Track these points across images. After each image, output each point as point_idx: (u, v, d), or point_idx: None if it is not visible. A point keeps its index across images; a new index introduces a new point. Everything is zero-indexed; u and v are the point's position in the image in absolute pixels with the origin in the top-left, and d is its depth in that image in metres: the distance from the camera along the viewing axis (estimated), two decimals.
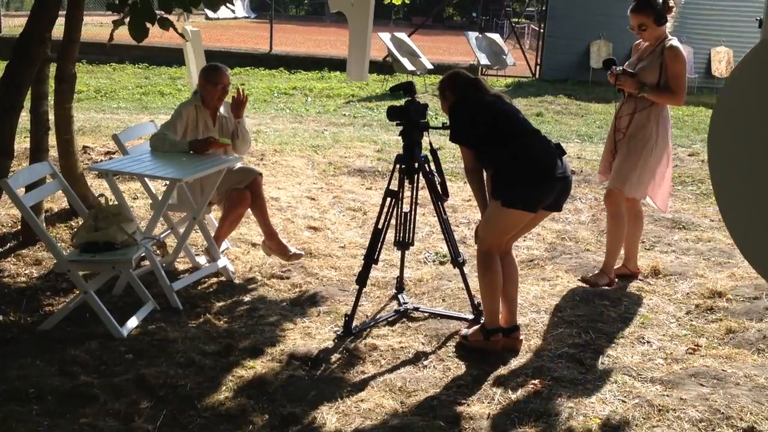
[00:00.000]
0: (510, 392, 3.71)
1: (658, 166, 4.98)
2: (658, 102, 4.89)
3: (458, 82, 4.30)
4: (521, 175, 3.99)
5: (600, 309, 4.77)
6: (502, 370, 3.94)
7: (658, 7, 4.82)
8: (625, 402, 3.66)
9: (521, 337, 4.22)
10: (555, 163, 4.01)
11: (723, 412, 3.55)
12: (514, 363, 4.03)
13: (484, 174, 4.21)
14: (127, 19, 4.71)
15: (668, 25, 4.90)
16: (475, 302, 4.53)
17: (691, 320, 4.67)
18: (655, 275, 5.38)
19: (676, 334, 4.47)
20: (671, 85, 4.83)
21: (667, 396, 3.72)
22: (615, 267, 5.21)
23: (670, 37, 4.90)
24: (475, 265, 5.17)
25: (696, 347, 4.27)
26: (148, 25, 4.73)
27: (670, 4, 4.86)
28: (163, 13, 4.98)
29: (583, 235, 6.30)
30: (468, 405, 3.58)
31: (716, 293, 5.00)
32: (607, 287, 5.09)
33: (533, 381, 3.82)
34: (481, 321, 4.23)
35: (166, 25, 4.84)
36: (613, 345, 4.29)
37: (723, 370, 3.98)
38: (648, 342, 4.34)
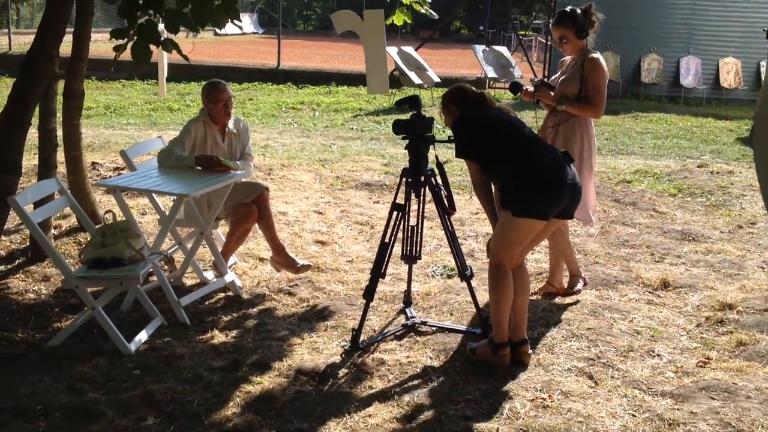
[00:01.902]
0: (518, 407, 3.68)
1: (584, 182, 4.84)
2: (576, 114, 4.88)
3: (462, 97, 4.30)
4: (530, 183, 3.96)
5: (609, 322, 4.74)
6: (511, 384, 3.92)
7: (580, 20, 4.86)
8: (636, 416, 3.63)
9: (530, 351, 4.19)
10: (563, 169, 4.00)
11: (734, 426, 3.52)
12: (523, 377, 4.00)
13: (492, 187, 4.19)
14: (130, 43, 4.73)
15: (590, 39, 4.93)
16: (483, 316, 4.51)
17: (702, 333, 4.64)
18: (665, 288, 5.35)
19: (686, 347, 4.44)
20: (591, 97, 4.82)
21: (678, 410, 3.68)
22: (541, 286, 5.23)
23: (592, 50, 4.92)
24: (482, 278, 5.16)
25: (707, 360, 4.24)
26: (152, 47, 4.76)
27: (592, 19, 4.89)
28: (167, 34, 5.00)
29: (592, 247, 6.28)
30: (476, 420, 3.55)
31: (727, 305, 4.96)
32: (585, 287, 5.12)
33: (542, 395, 3.79)
34: (490, 335, 4.21)
35: (169, 48, 4.87)
36: (623, 358, 4.26)
37: (734, 383, 3.94)
38: (658, 355, 4.31)
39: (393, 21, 6.93)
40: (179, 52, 4.98)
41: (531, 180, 3.96)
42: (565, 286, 5.20)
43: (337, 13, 6.21)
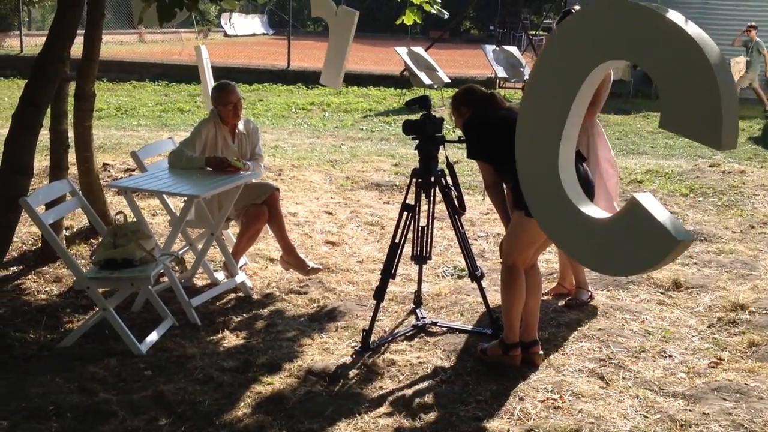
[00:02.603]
0: (529, 407, 3.67)
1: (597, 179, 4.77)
2: None
3: (473, 98, 4.29)
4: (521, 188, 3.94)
5: (621, 322, 4.73)
6: (522, 385, 3.91)
7: None
8: (647, 417, 3.61)
9: (541, 352, 4.18)
10: (575, 167, 3.97)
11: (746, 427, 3.50)
12: (534, 378, 3.99)
13: (504, 188, 4.18)
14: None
15: None
16: (494, 316, 4.50)
17: (714, 333, 4.62)
18: (677, 288, 5.32)
19: (698, 347, 4.42)
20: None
21: (690, 410, 3.67)
22: (552, 287, 5.21)
23: None
24: (493, 279, 5.15)
25: (719, 361, 4.22)
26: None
27: None
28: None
29: None
30: (487, 420, 3.55)
31: (739, 306, 4.94)
32: (590, 299, 5.04)
33: (553, 396, 3.78)
34: (500, 335, 4.20)
35: (192, 6, 4.87)
36: (635, 359, 4.24)
37: (746, 384, 3.92)
38: (670, 356, 4.29)
39: (403, 21, 6.92)
40: (199, 12, 4.98)
41: None
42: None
43: None
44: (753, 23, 15.03)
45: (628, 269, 2.77)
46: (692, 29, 2.27)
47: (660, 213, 2.40)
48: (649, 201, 2.45)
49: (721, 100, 2.20)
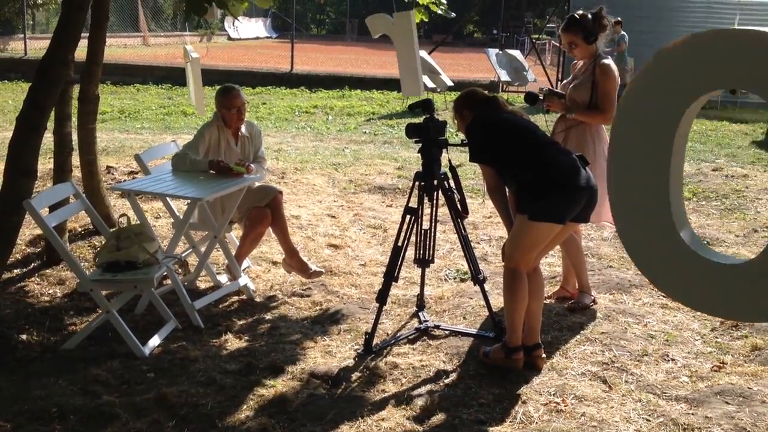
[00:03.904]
0: (532, 411, 3.67)
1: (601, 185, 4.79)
2: (587, 121, 4.85)
3: (475, 101, 4.30)
4: (547, 186, 3.95)
5: (623, 326, 4.72)
6: (524, 389, 3.91)
7: (588, 25, 4.80)
8: (650, 421, 3.61)
9: (543, 355, 4.18)
10: (579, 172, 3.98)
11: (749, 430, 3.50)
12: (536, 381, 3.99)
13: (507, 191, 4.19)
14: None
15: (601, 43, 4.88)
16: (496, 320, 4.50)
17: (716, 337, 4.61)
18: None
19: (701, 351, 4.41)
20: (600, 103, 4.77)
21: (693, 414, 3.66)
22: (555, 290, 5.21)
23: (603, 55, 4.87)
24: (495, 282, 5.15)
25: (721, 365, 4.22)
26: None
27: (603, 23, 4.84)
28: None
29: (606, 251, 6.25)
30: (490, 424, 3.55)
31: None
32: (593, 303, 5.04)
33: (556, 399, 3.78)
34: (503, 338, 4.20)
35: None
36: (637, 363, 4.24)
37: (749, 388, 3.92)
38: (672, 359, 4.29)
39: None
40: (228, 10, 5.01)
41: (547, 184, 3.95)
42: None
43: (372, 17, 6.18)
44: (619, 18, 15.01)
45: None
46: None
47: None
48: None
49: None
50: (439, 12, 6.86)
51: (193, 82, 7.22)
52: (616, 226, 2.47)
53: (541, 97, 4.98)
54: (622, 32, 15.67)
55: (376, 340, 4.36)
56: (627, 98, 2.38)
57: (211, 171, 4.97)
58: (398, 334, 4.55)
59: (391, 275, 4.37)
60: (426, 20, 6.97)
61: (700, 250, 2.31)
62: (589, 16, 4.83)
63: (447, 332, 4.58)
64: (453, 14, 7.22)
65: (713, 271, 2.28)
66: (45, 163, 7.06)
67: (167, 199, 5.08)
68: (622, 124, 2.40)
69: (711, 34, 2.19)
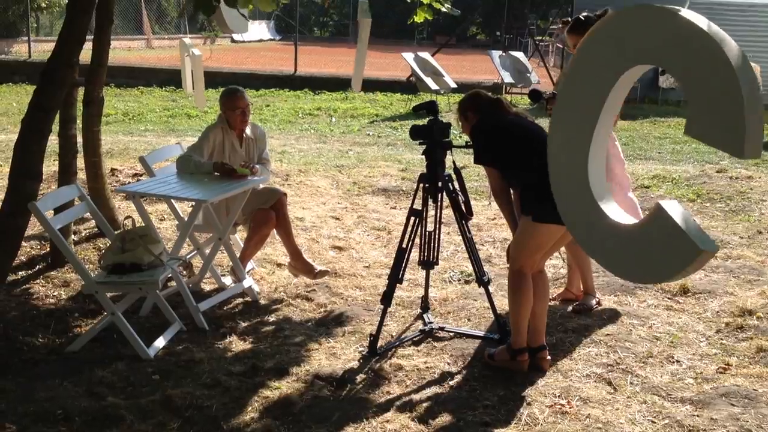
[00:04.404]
0: (537, 412, 3.67)
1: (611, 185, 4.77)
2: None
3: (479, 103, 4.30)
4: (551, 188, 3.93)
5: (628, 328, 4.72)
6: (529, 390, 3.90)
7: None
8: (655, 422, 3.60)
9: (548, 357, 4.17)
10: None
11: None
12: (541, 383, 3.99)
13: (512, 193, 4.18)
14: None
15: None
16: (501, 321, 4.50)
17: (721, 339, 4.60)
18: (684, 294, 5.31)
19: (706, 353, 4.41)
20: None
21: (698, 416, 3.66)
22: (559, 292, 5.20)
23: None
24: (500, 284, 5.15)
25: (726, 366, 4.21)
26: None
27: None
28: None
29: None
30: (495, 426, 3.55)
31: (746, 311, 4.92)
32: (598, 306, 5.03)
33: (561, 401, 3.78)
34: (508, 340, 4.20)
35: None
36: (642, 364, 4.23)
37: (754, 390, 3.91)
38: (678, 361, 4.28)
39: (414, 20, 6.95)
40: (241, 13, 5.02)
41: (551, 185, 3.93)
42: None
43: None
44: (567, 19, 15.05)
45: (650, 277, 2.72)
46: (713, 29, 2.19)
47: (684, 221, 2.34)
48: (673, 208, 2.39)
49: (744, 106, 2.10)
50: (444, 10, 6.86)
51: (193, 75, 7.24)
52: (551, 180, 2.90)
53: (545, 99, 4.98)
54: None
55: (380, 342, 4.36)
56: (571, 64, 2.73)
57: (216, 173, 4.98)
58: (403, 336, 4.55)
59: (395, 277, 4.37)
60: (430, 18, 6.97)
61: (602, 204, 2.63)
62: (594, 17, 4.82)
63: (452, 334, 4.58)
64: (458, 12, 7.22)
65: (606, 224, 2.58)
66: (50, 166, 7.07)
67: (172, 201, 5.09)
68: (566, 89, 2.77)
69: (630, 10, 2.43)
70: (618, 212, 2.65)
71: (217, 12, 5.34)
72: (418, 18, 6.91)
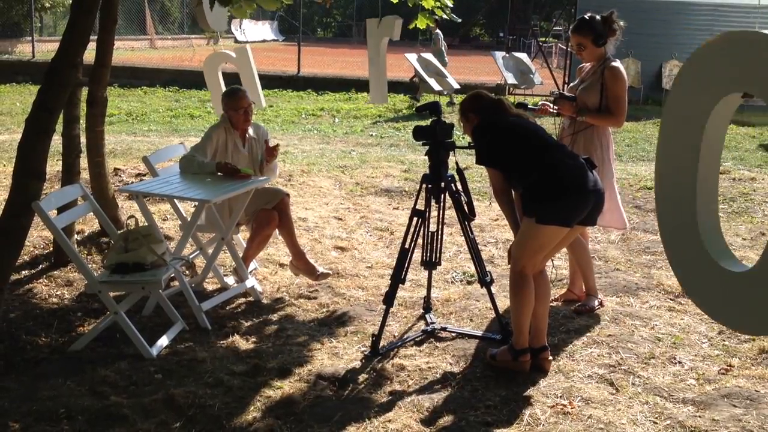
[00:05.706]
0: (539, 413, 3.67)
1: (607, 189, 4.79)
2: (598, 125, 4.84)
3: (481, 104, 4.30)
4: (554, 189, 3.94)
5: (630, 329, 4.72)
6: (531, 391, 3.91)
7: (598, 28, 4.79)
8: (657, 423, 3.61)
9: (550, 357, 4.18)
10: (586, 175, 3.98)
11: None
12: (543, 383, 3.99)
13: (513, 194, 4.19)
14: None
15: (610, 46, 4.87)
16: (503, 322, 4.50)
17: (724, 340, 4.60)
18: (687, 295, 5.31)
19: (708, 354, 4.41)
20: (611, 107, 4.77)
21: (700, 417, 3.66)
22: (561, 293, 5.21)
23: (612, 58, 4.86)
24: (502, 284, 5.15)
25: (728, 367, 4.21)
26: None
27: (613, 27, 4.83)
28: None
29: (613, 254, 6.25)
30: (496, 426, 3.55)
31: None
32: (600, 307, 5.03)
33: (562, 402, 3.78)
34: (510, 341, 4.20)
35: None
36: (644, 365, 4.23)
37: (756, 391, 3.92)
38: (680, 362, 4.29)
39: (416, 25, 6.96)
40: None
41: (554, 186, 3.95)
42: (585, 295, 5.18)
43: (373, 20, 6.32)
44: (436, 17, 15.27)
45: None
46: None
47: None
48: None
49: None
50: (445, 17, 6.88)
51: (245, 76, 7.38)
52: (658, 222, 2.61)
53: (546, 104, 4.98)
54: (438, 31, 16.59)
55: (382, 342, 4.37)
56: (669, 100, 2.47)
57: (219, 173, 4.99)
58: (405, 336, 4.56)
59: (397, 277, 4.38)
60: (432, 24, 6.99)
61: (720, 260, 2.31)
62: (599, 18, 4.83)
63: (454, 334, 4.59)
64: (459, 19, 7.23)
65: (726, 280, 2.28)
66: (53, 166, 7.09)
67: (175, 201, 5.10)
68: (665, 124, 2.54)
69: (738, 35, 2.20)
70: (735, 263, 2.38)
71: (198, 8, 5.36)
72: (420, 24, 6.93)
